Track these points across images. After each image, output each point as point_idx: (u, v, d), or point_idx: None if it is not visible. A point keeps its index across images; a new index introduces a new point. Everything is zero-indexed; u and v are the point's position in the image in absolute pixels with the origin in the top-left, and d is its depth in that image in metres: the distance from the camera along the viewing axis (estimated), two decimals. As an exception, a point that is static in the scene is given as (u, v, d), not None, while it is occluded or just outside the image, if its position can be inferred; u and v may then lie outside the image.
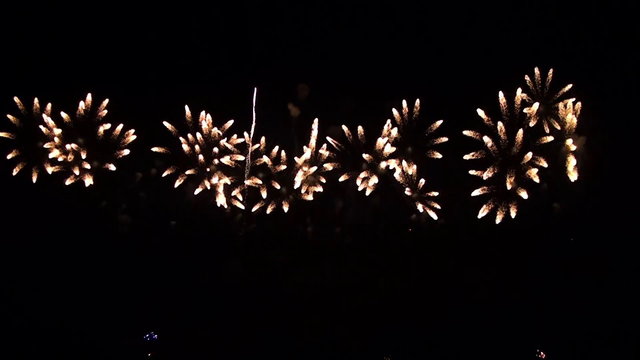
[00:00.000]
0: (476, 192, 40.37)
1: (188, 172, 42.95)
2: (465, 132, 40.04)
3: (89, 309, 41.64)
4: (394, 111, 41.36)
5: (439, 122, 40.80)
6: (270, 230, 43.21)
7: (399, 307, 40.75)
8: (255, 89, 42.82)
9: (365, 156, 41.52)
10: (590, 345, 37.54)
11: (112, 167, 43.71)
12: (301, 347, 40.72)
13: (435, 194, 41.62)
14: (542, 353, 39.18)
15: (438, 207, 41.86)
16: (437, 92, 41.49)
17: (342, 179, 42.09)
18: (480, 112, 39.75)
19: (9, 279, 42.08)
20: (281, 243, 43.28)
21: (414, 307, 40.59)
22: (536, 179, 38.91)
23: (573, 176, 39.02)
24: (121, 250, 43.45)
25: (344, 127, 41.56)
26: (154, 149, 43.35)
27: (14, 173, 43.49)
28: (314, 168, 42.03)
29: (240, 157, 42.79)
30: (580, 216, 40.18)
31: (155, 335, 42.27)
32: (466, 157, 40.17)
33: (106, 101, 42.68)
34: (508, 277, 40.21)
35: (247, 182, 42.75)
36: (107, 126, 42.60)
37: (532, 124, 39.98)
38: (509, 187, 39.44)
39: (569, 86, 39.95)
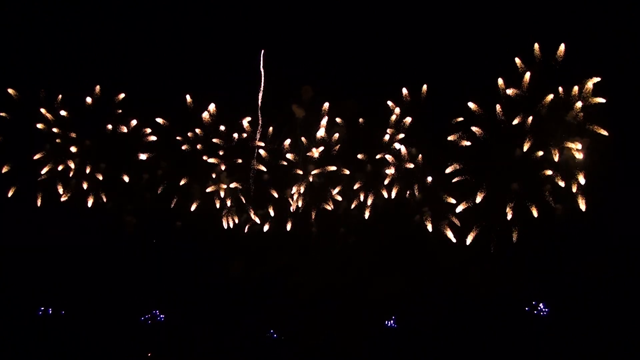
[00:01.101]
0: (460, 209, 35.83)
1: (182, 182, 40.26)
2: (450, 138, 36.20)
3: (89, 308, 42.84)
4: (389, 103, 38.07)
5: (460, 119, 36.51)
6: (272, 230, 42.85)
7: (400, 307, 40.59)
8: (262, 51, 39.37)
9: (360, 155, 39.07)
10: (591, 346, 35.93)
11: (126, 179, 39.92)
12: (301, 347, 40.83)
13: (453, 201, 36.49)
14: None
15: (457, 222, 36.50)
16: (449, 93, 37.93)
17: (335, 191, 39.73)
18: (472, 105, 35.58)
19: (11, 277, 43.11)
20: (283, 243, 43.00)
21: (414, 307, 40.15)
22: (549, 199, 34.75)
23: (582, 204, 33.96)
24: (123, 250, 43.78)
25: (338, 120, 39.17)
26: (142, 156, 40.21)
27: (9, 194, 39.78)
28: (331, 168, 39.35)
29: (262, 168, 39.78)
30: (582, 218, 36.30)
31: (162, 316, 42.15)
32: (449, 170, 36.27)
33: (122, 95, 39.18)
34: (509, 277, 38.52)
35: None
36: (124, 129, 39.22)
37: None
38: (509, 216, 34.90)
39: (595, 80, 33.20)
